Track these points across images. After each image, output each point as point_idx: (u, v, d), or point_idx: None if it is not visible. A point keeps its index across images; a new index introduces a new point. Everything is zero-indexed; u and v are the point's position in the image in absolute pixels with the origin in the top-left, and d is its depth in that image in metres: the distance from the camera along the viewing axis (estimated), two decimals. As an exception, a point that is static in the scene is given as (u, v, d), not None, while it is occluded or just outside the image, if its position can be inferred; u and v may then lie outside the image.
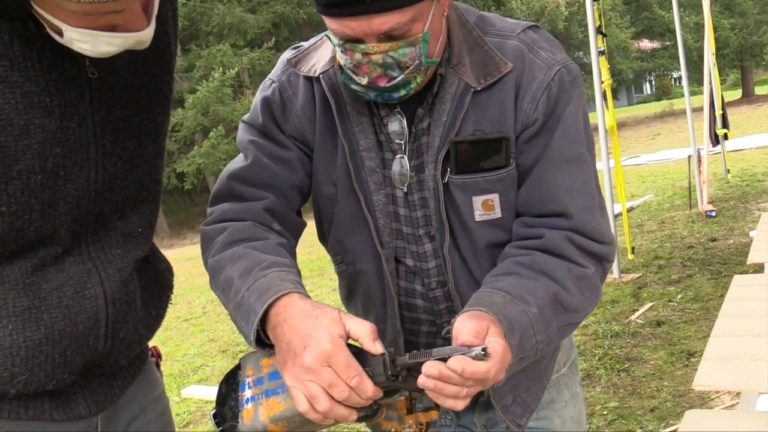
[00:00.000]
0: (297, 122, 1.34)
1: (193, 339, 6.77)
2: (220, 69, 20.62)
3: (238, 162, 1.37)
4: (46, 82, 1.08)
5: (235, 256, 1.22)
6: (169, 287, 1.42)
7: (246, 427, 1.13)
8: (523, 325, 1.13)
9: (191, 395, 4.98)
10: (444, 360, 1.02)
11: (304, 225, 1.40)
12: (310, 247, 8.90)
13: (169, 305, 1.44)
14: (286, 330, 1.07)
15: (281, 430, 1.12)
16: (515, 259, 1.25)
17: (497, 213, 1.29)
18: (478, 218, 1.29)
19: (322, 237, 1.44)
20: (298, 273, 1.22)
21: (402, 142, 1.31)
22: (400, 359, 1.07)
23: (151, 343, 1.49)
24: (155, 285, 1.38)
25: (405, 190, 1.32)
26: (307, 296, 1.13)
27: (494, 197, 1.28)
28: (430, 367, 1.01)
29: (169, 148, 20.38)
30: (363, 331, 1.07)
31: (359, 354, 1.06)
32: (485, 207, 1.28)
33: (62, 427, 1.25)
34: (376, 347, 1.06)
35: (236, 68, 20.84)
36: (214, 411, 1.19)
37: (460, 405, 1.05)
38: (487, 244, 1.31)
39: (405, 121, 1.30)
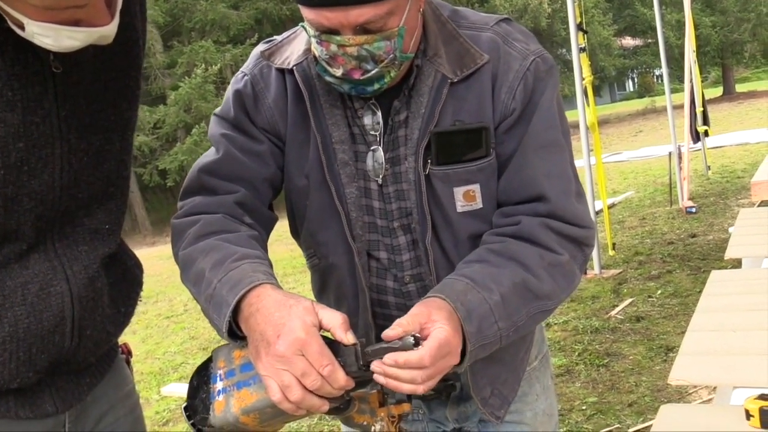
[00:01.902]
0: (269, 115, 1.33)
1: (173, 337, 6.73)
2: (203, 65, 20.49)
3: (209, 155, 1.36)
4: (8, 77, 1.06)
5: (207, 249, 1.21)
6: (138, 284, 1.41)
7: (217, 420, 1.12)
8: (482, 312, 1.14)
9: (171, 393, 4.95)
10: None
11: (276, 219, 1.40)
12: (292, 245, 8.84)
13: (139, 302, 1.42)
14: (260, 320, 1.07)
15: (253, 422, 1.12)
16: (488, 246, 1.26)
17: (478, 203, 1.30)
18: (459, 209, 1.29)
19: (295, 231, 1.43)
20: (270, 265, 1.21)
21: (377, 134, 1.31)
22: (371, 349, 1.07)
23: (129, 341, 1.47)
24: (123, 282, 1.36)
25: (380, 182, 1.32)
26: (279, 287, 1.13)
27: (475, 188, 1.29)
28: (375, 367, 1.06)
29: (151, 144, 20.30)
30: (335, 321, 1.07)
31: (331, 344, 1.07)
32: (466, 198, 1.29)
33: (28, 425, 1.23)
34: (348, 337, 1.06)
35: (219, 65, 20.72)
36: (185, 404, 1.18)
37: (420, 390, 1.08)
38: (469, 236, 1.31)
39: (380, 114, 1.30)
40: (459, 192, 1.28)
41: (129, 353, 1.53)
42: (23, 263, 1.16)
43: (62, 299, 1.19)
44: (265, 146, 1.34)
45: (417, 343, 1.05)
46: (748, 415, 1.75)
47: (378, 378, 1.07)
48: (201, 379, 1.19)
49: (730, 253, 3.64)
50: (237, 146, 1.33)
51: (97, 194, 1.25)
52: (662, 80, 9.66)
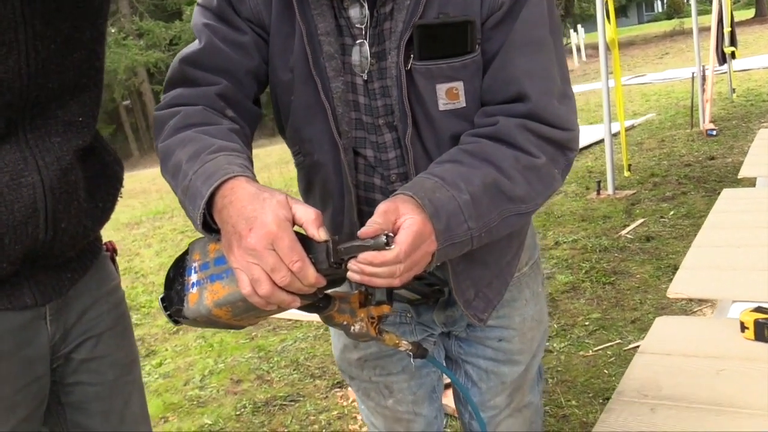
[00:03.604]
0: (253, 5, 1.28)
1: (187, 250, 6.80)
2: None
3: (192, 46, 1.32)
4: None
5: (185, 140, 1.18)
6: (117, 180, 1.38)
7: (191, 312, 1.11)
8: (451, 209, 1.11)
9: (182, 304, 5.04)
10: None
11: (261, 114, 1.36)
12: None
13: (120, 198, 1.41)
14: (232, 212, 1.04)
15: (225, 315, 1.10)
16: (462, 146, 1.21)
17: (461, 102, 1.24)
18: (442, 107, 1.24)
19: (281, 128, 1.39)
20: (249, 159, 1.18)
21: (362, 26, 1.25)
22: (343, 246, 1.04)
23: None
24: (102, 177, 1.34)
25: (365, 77, 1.27)
26: (255, 180, 1.10)
27: (458, 85, 1.23)
28: (352, 266, 1.04)
29: (167, 61, 20.15)
30: (307, 217, 1.04)
31: (304, 241, 1.04)
32: (449, 95, 1.24)
33: (8, 317, 1.23)
34: (319, 234, 1.03)
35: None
36: (162, 295, 1.17)
37: (396, 282, 1.06)
38: (451, 136, 1.26)
39: (367, 5, 1.23)
40: (442, 89, 1.23)
41: (114, 251, 1.53)
42: None
43: (34, 190, 1.17)
44: (248, 37, 1.29)
45: (388, 242, 1.03)
46: (743, 327, 1.73)
47: (353, 276, 1.05)
48: (177, 271, 1.18)
49: (744, 172, 3.57)
50: (219, 36, 1.28)
51: (69, 85, 1.21)
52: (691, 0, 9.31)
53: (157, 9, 25.67)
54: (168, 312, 1.16)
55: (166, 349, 4.29)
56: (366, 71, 1.26)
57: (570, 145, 1.25)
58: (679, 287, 2.10)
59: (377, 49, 1.25)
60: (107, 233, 1.45)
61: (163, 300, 1.17)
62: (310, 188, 1.41)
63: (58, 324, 1.32)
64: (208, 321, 1.13)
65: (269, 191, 1.06)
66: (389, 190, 1.32)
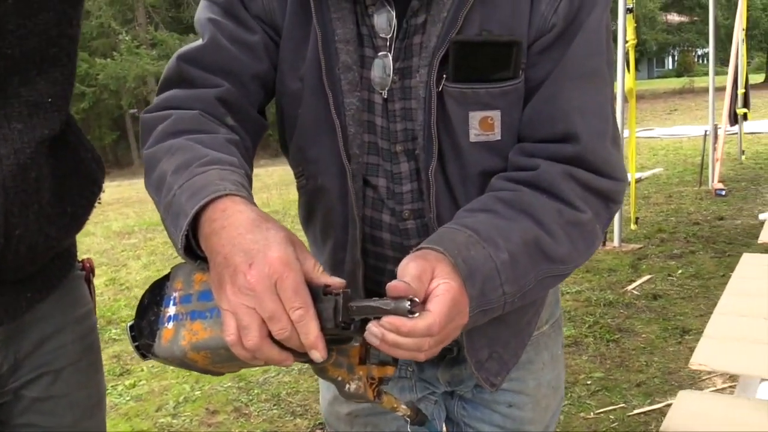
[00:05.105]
0: (266, 1, 1.12)
1: (176, 266, 6.62)
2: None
3: (193, 44, 1.15)
4: None
5: (173, 149, 1.00)
6: (93, 182, 1.20)
7: (162, 350, 0.93)
8: (487, 272, 0.93)
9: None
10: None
11: (266, 126, 1.18)
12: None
13: (98, 204, 1.22)
14: (225, 240, 0.86)
15: (203, 361, 0.92)
16: (497, 193, 1.04)
17: (496, 135, 1.07)
18: (473, 138, 1.07)
19: (284, 144, 1.22)
20: (247, 176, 1.00)
21: (388, 37, 1.08)
22: (356, 304, 0.86)
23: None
24: (75, 176, 1.15)
25: (385, 96, 1.10)
26: (252, 202, 0.92)
27: (495, 114, 1.06)
28: (374, 329, 0.85)
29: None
30: (312, 263, 0.86)
31: (311, 289, 0.85)
32: (483, 126, 1.07)
33: None
34: (331, 281, 0.85)
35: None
36: (131, 323, 0.99)
37: (421, 357, 0.88)
38: (480, 172, 1.09)
39: (395, 14, 1.07)
40: (475, 117, 1.06)
41: (90, 271, 1.33)
42: None
43: None
44: (257, 37, 1.12)
45: (413, 309, 0.84)
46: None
47: (371, 339, 0.86)
48: (153, 299, 0.99)
49: (764, 237, 3.42)
50: (225, 34, 1.11)
51: (34, 55, 1.03)
52: (704, 60, 9.28)
53: (173, 21, 25.73)
54: (136, 343, 0.98)
55: (142, 370, 4.09)
56: (386, 89, 1.10)
57: (617, 197, 1.08)
58: (701, 358, 1.92)
59: (402, 64, 1.09)
60: (96, 240, 1.27)
61: (131, 328, 0.98)
62: (311, 217, 1.23)
63: (8, 353, 1.13)
64: (181, 363, 0.95)
65: (272, 221, 0.88)
66: (400, 228, 1.15)
